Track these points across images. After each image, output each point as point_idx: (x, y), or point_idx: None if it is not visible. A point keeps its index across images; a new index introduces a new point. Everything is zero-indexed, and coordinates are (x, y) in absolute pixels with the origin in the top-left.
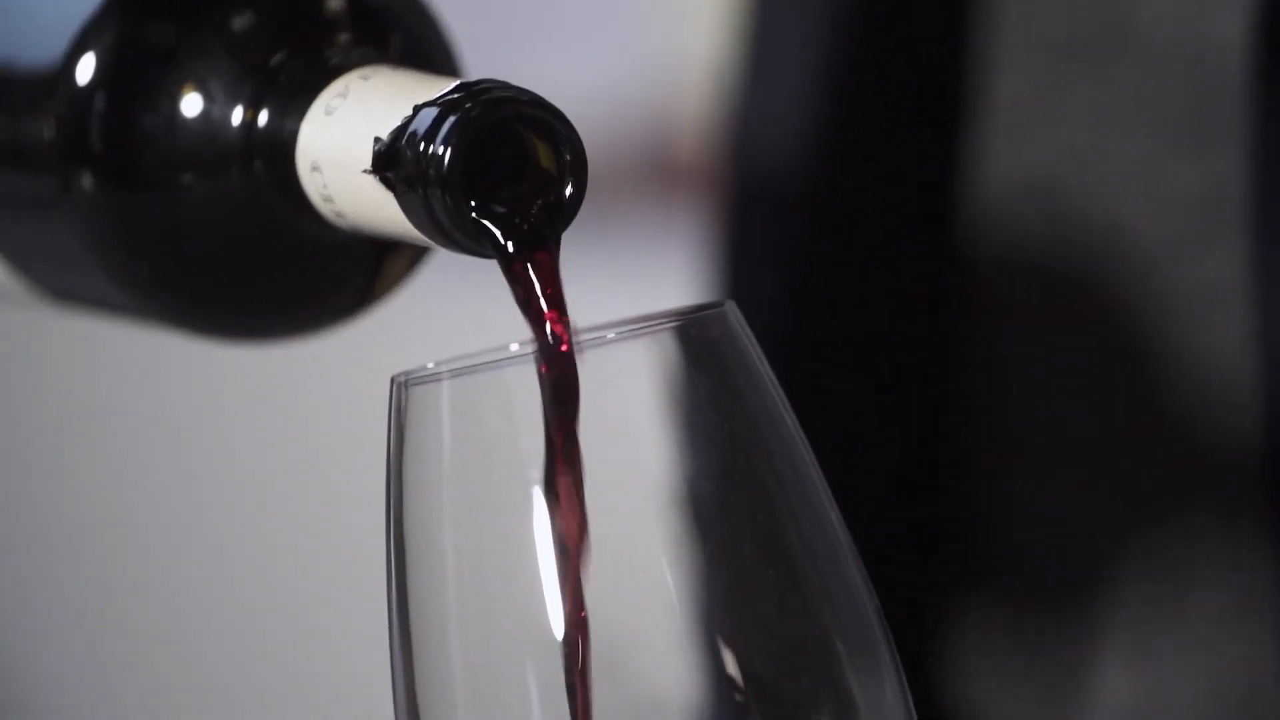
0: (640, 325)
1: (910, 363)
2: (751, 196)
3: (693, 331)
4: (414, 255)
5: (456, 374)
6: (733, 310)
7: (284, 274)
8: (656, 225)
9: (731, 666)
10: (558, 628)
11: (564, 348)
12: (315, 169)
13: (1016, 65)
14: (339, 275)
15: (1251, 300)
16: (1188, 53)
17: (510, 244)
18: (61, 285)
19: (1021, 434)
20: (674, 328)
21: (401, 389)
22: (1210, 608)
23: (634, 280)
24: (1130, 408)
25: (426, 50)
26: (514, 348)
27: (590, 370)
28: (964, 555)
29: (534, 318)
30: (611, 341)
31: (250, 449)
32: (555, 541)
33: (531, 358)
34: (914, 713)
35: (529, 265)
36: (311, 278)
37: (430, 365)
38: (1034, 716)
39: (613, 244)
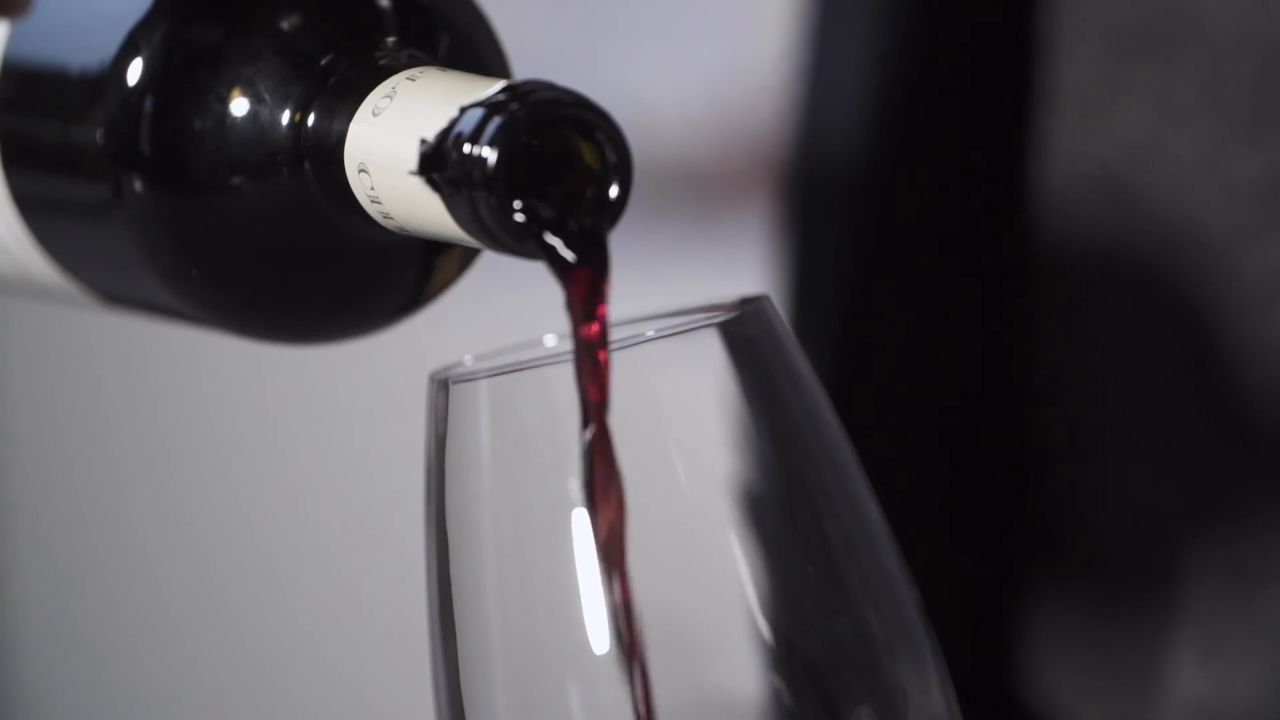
0: (678, 321)
1: (976, 355)
2: (815, 189)
3: (731, 327)
4: (464, 256)
5: (495, 372)
6: (770, 305)
7: (334, 275)
8: (722, 218)
9: (773, 661)
10: (600, 633)
11: (600, 349)
12: (363, 170)
13: (1080, 55)
14: (388, 276)
15: None
16: (1250, 41)
17: (556, 246)
18: (112, 288)
19: (1088, 427)
20: (712, 324)
21: (440, 387)
22: (1277, 602)
23: (694, 272)
24: (1196, 398)
25: (475, 51)
26: (550, 341)
27: (628, 368)
28: (1034, 551)
29: (575, 318)
30: (650, 339)
31: (284, 445)
32: (598, 548)
33: (570, 355)
34: (956, 705)
35: (574, 266)
36: (361, 279)
37: (468, 360)
38: (1106, 709)
39: (675, 236)
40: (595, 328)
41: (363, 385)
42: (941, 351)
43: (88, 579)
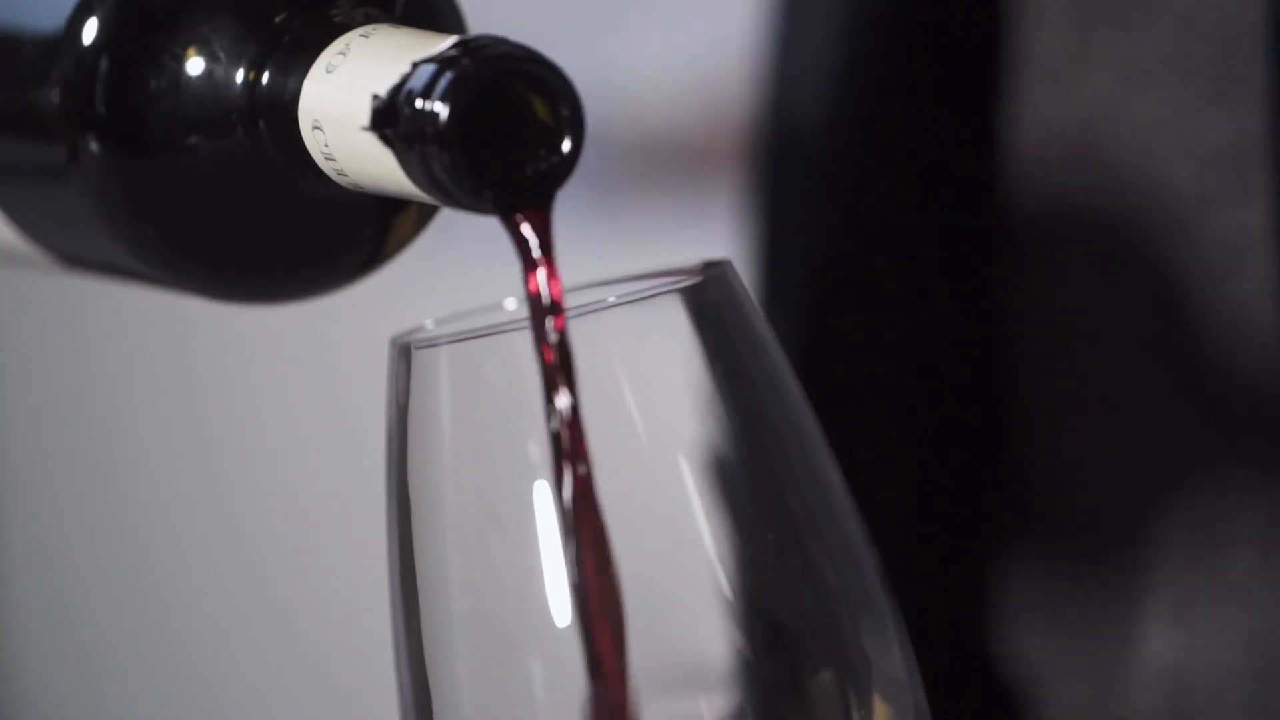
0: (639, 287)
1: (944, 321)
2: (784, 156)
3: (692, 293)
4: (421, 214)
5: (457, 338)
6: (731, 270)
7: (291, 234)
8: (700, 186)
9: (736, 627)
10: (563, 605)
11: (556, 305)
12: (317, 127)
13: (1046, 21)
14: (346, 235)
15: (1276, 249)
16: (1215, 6)
17: (508, 201)
18: (71, 249)
19: (1057, 391)
20: (674, 289)
21: (401, 352)
22: (1247, 568)
23: (672, 240)
24: (1165, 362)
25: (430, 8)
26: (511, 304)
27: (589, 334)
28: (1004, 516)
29: (529, 274)
30: (612, 305)
31: (245, 410)
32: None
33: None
34: (917, 669)
35: (525, 221)
36: (319, 238)
37: (429, 324)
38: (1077, 673)
39: (649, 202)
40: (547, 284)
41: (324, 349)
42: (910, 317)
43: (68, 553)
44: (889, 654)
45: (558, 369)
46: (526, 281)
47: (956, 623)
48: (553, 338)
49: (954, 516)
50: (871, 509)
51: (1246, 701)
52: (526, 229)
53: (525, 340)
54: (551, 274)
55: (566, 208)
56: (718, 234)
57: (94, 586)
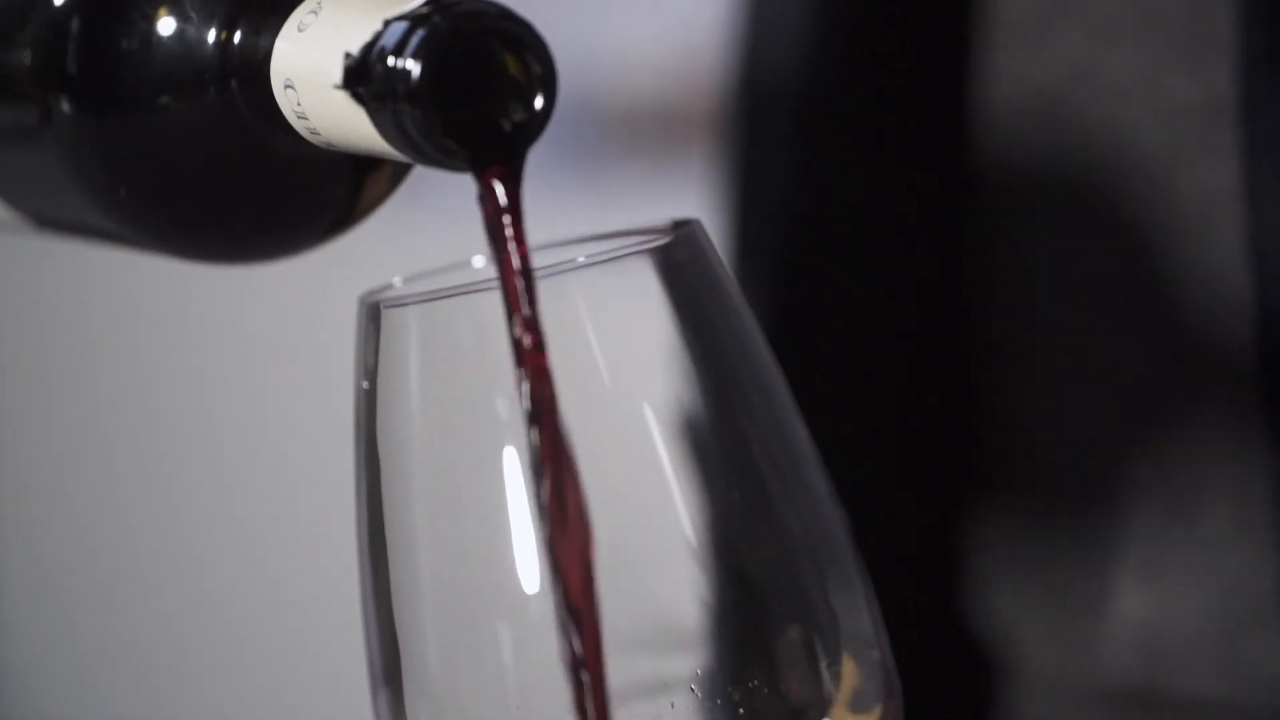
0: (609, 246)
1: (916, 280)
2: (757, 118)
3: (660, 252)
4: (394, 173)
5: (426, 297)
6: (700, 229)
7: (264, 194)
8: (667, 147)
9: (704, 586)
10: (531, 569)
11: (523, 261)
12: (289, 86)
13: None
14: (319, 194)
15: (1245, 207)
16: None
17: (480, 158)
18: (45, 210)
19: (1029, 350)
20: (642, 249)
21: (370, 311)
22: (1218, 525)
23: (636, 200)
24: (1135, 319)
25: None
26: (479, 262)
27: (558, 293)
28: (976, 476)
29: (495, 232)
30: (581, 266)
31: (208, 373)
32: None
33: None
34: (883, 626)
35: (496, 178)
36: (292, 197)
37: (397, 282)
38: (1049, 632)
39: (617, 162)
40: (515, 245)
41: (293, 308)
42: (881, 277)
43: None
44: (856, 611)
45: (523, 322)
46: (492, 242)
47: (927, 582)
48: (522, 304)
49: (925, 476)
50: (841, 468)
51: (1217, 657)
52: (497, 186)
53: (494, 300)
54: (517, 232)
55: (538, 166)
56: (691, 194)
57: (77, 549)
